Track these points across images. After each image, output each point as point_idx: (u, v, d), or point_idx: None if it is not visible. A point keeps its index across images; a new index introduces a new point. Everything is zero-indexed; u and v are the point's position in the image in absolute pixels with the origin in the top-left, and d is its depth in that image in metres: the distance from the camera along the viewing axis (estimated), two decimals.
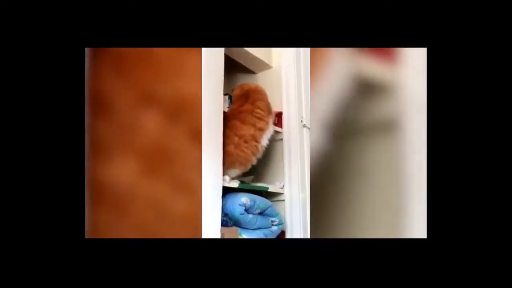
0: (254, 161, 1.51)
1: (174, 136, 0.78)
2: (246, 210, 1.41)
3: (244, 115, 1.51)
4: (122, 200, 0.78)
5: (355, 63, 0.87)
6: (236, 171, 1.47)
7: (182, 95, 0.77)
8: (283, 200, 1.67)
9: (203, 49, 1.23)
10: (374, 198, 0.85)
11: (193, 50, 0.81)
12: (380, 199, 0.84)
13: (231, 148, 1.42)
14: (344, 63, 0.87)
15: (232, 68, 1.84)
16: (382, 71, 0.86)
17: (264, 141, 1.54)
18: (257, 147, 1.51)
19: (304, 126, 1.72)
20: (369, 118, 0.86)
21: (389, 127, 0.84)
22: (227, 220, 1.38)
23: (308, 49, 1.86)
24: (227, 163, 1.40)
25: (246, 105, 1.54)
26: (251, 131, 1.49)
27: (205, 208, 1.17)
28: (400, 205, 0.83)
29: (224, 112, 1.40)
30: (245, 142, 1.47)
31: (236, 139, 1.45)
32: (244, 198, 1.40)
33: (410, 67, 0.86)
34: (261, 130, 1.52)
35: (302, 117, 1.73)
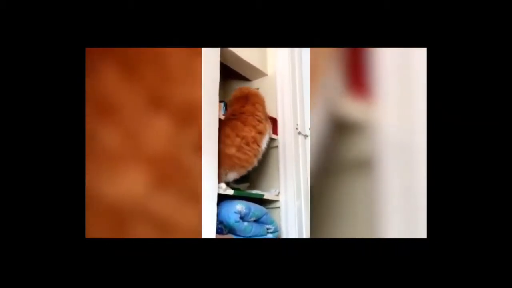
0: (255, 163, 1.51)
1: (182, 145, 0.75)
2: (241, 218, 1.40)
3: (246, 116, 1.50)
4: (125, 218, 0.75)
5: (332, 102, 0.88)
6: (234, 174, 1.46)
7: (189, 100, 0.74)
8: (279, 207, 1.67)
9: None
10: (349, 229, 0.88)
11: (195, 54, 0.78)
12: (354, 230, 0.87)
13: (232, 150, 1.41)
14: (322, 102, 0.89)
15: (227, 75, 1.84)
16: (357, 110, 0.88)
17: (264, 145, 1.54)
18: (258, 150, 1.50)
19: (299, 133, 1.72)
20: (345, 157, 0.88)
21: (363, 166, 0.86)
22: (222, 227, 1.37)
23: (302, 57, 1.88)
24: (227, 166, 1.40)
25: (247, 106, 1.53)
26: (252, 133, 1.48)
27: (203, 216, 1.16)
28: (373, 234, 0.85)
29: (220, 119, 1.40)
30: (247, 144, 1.45)
31: (237, 140, 1.43)
32: (239, 206, 1.40)
33: (384, 106, 0.87)
34: (261, 133, 1.51)
35: (297, 124, 1.73)
